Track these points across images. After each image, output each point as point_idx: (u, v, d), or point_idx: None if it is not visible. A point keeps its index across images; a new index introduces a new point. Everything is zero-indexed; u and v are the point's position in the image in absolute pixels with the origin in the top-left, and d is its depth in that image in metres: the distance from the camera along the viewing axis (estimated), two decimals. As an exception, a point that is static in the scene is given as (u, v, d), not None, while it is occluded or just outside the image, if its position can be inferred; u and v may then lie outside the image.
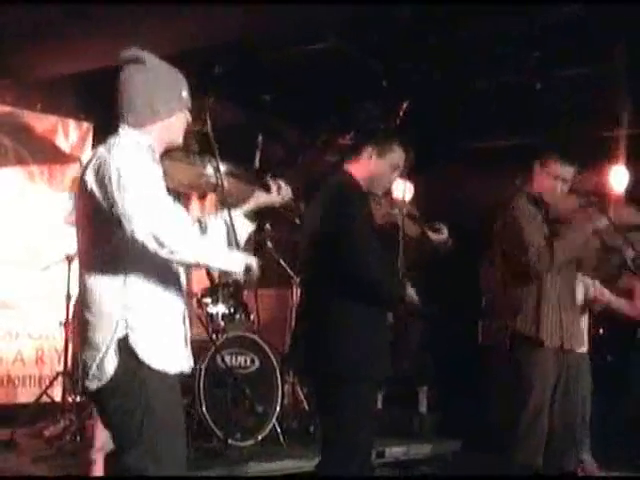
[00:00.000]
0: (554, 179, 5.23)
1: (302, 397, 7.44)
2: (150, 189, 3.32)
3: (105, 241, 3.37)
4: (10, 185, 7.62)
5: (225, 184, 3.70)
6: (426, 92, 7.99)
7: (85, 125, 8.06)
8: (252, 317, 7.41)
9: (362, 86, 7.90)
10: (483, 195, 7.82)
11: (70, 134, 8.00)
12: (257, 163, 6.92)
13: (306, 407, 7.35)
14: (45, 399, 7.07)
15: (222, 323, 7.09)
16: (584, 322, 6.28)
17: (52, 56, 6.78)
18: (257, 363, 7.01)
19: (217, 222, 3.82)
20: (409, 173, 4.86)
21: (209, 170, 3.71)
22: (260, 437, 6.82)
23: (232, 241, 3.72)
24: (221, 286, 7.21)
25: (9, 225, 7.58)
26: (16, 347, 7.57)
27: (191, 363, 3.60)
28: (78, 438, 6.39)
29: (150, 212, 3.27)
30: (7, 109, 7.57)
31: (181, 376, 3.51)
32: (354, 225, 4.33)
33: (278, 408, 6.96)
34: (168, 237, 3.26)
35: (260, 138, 6.18)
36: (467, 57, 7.31)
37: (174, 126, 3.59)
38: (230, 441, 6.58)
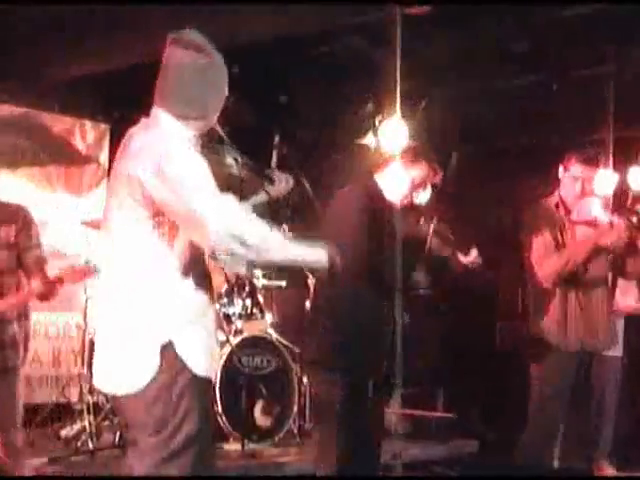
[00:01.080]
0: (577, 181, 5.21)
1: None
2: (213, 187, 3.10)
3: (151, 240, 3.16)
4: (27, 186, 7.63)
5: (243, 175, 3.62)
6: (441, 92, 7.98)
7: (102, 126, 8.06)
8: (269, 318, 7.40)
9: (377, 87, 7.88)
10: (504, 196, 7.79)
11: (87, 135, 8.01)
12: (274, 163, 6.92)
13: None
14: (62, 400, 7.08)
15: (238, 324, 7.09)
16: (620, 326, 6.28)
17: (69, 57, 6.78)
18: (274, 364, 7.00)
19: None
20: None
21: (229, 160, 3.63)
22: (277, 438, 6.82)
23: None
24: (237, 286, 7.21)
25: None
26: (33, 347, 7.56)
27: None
28: (94, 439, 6.39)
29: (222, 210, 3.04)
30: (24, 110, 7.59)
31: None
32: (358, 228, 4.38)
33: (295, 409, 6.95)
34: (253, 236, 3.04)
35: (277, 138, 6.19)
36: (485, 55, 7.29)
37: (212, 122, 3.38)
38: (247, 442, 6.58)
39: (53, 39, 6.41)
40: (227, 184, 3.62)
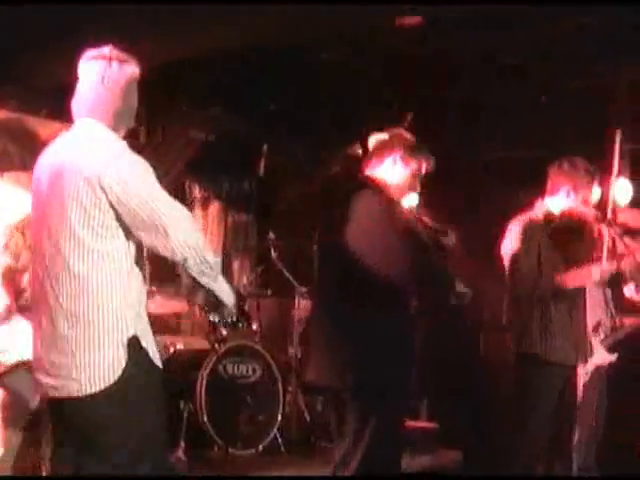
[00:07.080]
0: (569, 191, 5.22)
1: (303, 407, 7.41)
2: (165, 194, 3.29)
3: (110, 239, 3.26)
4: (13, 190, 7.60)
5: None
6: (430, 104, 7.99)
7: (89, 131, 8.03)
8: (254, 326, 7.39)
9: (366, 98, 7.90)
10: (493, 207, 7.78)
11: (74, 140, 7.97)
12: (262, 172, 6.91)
13: (307, 417, 7.32)
14: None
15: (224, 332, 7.08)
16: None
17: (58, 62, 6.77)
18: (259, 372, 6.99)
19: None
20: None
21: None
22: (261, 446, 6.81)
23: None
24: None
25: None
26: None
27: None
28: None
29: (182, 221, 3.27)
30: (12, 115, 7.56)
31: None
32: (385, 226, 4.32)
33: (279, 417, 6.95)
34: (208, 253, 3.31)
35: (265, 147, 6.17)
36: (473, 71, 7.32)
37: None
38: (231, 450, 6.57)
39: (42, 44, 6.40)
40: None
